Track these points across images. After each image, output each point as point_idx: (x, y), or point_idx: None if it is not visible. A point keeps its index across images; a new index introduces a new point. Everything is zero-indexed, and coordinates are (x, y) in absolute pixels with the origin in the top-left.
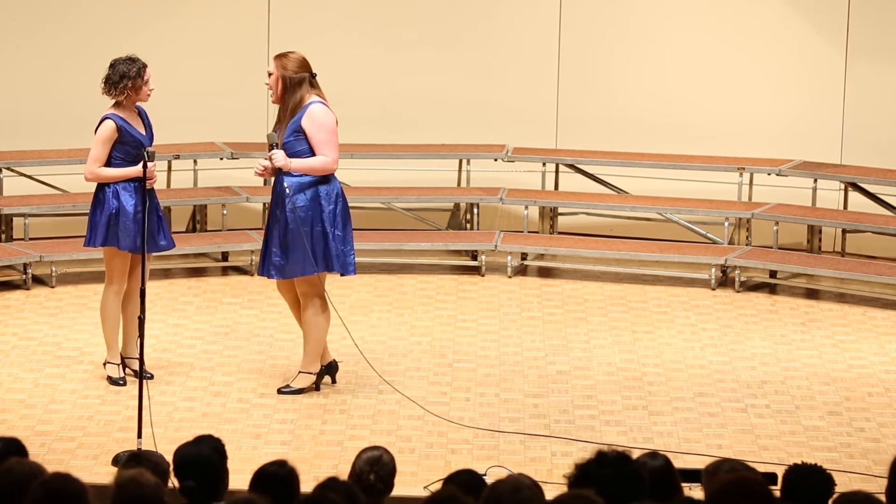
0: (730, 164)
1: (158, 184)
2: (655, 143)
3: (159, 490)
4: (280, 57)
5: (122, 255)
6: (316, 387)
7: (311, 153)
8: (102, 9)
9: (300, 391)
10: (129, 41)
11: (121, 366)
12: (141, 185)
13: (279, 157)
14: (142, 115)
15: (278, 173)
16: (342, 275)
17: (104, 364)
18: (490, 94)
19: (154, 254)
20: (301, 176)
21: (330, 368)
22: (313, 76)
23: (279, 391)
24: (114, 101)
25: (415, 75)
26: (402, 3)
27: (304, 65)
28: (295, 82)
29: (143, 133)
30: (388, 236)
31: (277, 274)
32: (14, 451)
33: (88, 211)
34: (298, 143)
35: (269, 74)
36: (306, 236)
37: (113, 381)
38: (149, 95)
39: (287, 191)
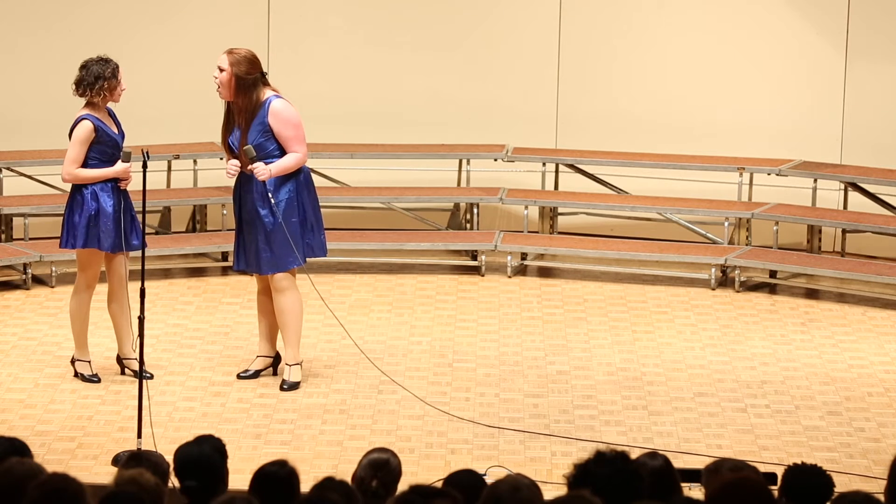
0: (730, 164)
1: (160, 184)
2: (655, 143)
3: (159, 490)
4: (231, 53)
5: (98, 257)
6: (274, 371)
7: (280, 150)
8: (103, 9)
9: (298, 384)
10: (129, 41)
11: (89, 363)
12: (117, 185)
13: (261, 170)
14: (111, 115)
15: (251, 174)
16: (319, 256)
17: (72, 361)
18: (490, 94)
19: (130, 254)
20: None
21: (276, 360)
22: (264, 74)
23: (282, 388)
24: (86, 101)
25: (415, 75)
26: (401, 4)
27: (256, 64)
28: (249, 83)
29: (116, 132)
30: (388, 236)
31: (270, 269)
32: (17, 451)
33: (64, 213)
34: (269, 143)
35: (221, 70)
36: (293, 227)
37: (86, 379)
38: (120, 95)
39: (269, 190)
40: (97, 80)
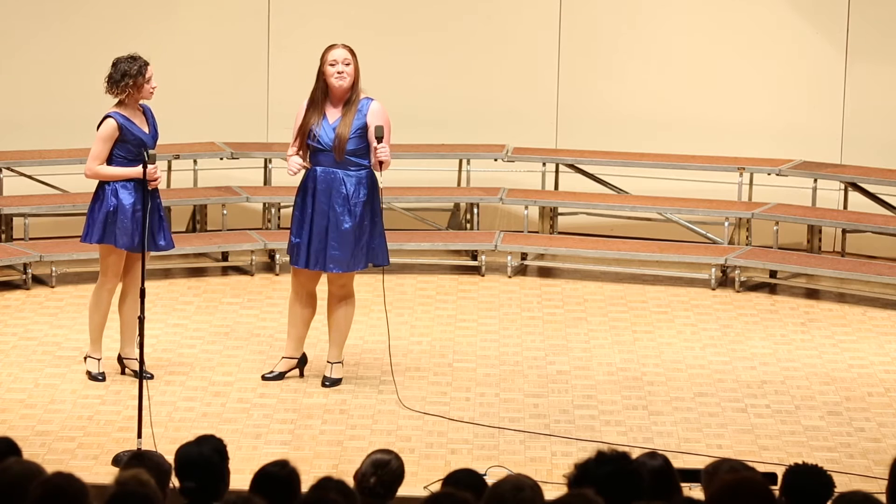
0: (730, 164)
1: (160, 184)
2: (655, 143)
3: (158, 491)
4: (346, 46)
5: (118, 252)
6: (300, 373)
7: (368, 150)
8: (103, 9)
9: (340, 380)
10: (129, 41)
11: (99, 361)
12: (141, 184)
13: (388, 151)
14: (146, 114)
15: (332, 167)
16: (382, 264)
17: (84, 358)
18: (490, 94)
19: (153, 253)
20: (358, 171)
21: (301, 361)
22: None
23: (324, 385)
24: (117, 99)
25: (415, 75)
26: (401, 5)
27: None
28: (359, 77)
29: (147, 132)
30: (389, 236)
31: (338, 267)
32: (6, 449)
33: (87, 208)
34: (362, 141)
35: (347, 63)
36: (364, 230)
37: (92, 376)
38: (151, 93)
39: (350, 188)
40: (123, 77)
